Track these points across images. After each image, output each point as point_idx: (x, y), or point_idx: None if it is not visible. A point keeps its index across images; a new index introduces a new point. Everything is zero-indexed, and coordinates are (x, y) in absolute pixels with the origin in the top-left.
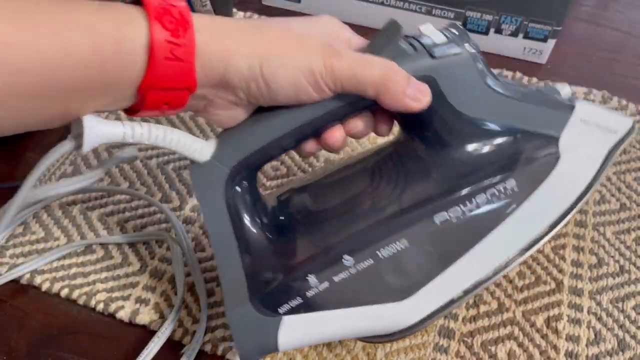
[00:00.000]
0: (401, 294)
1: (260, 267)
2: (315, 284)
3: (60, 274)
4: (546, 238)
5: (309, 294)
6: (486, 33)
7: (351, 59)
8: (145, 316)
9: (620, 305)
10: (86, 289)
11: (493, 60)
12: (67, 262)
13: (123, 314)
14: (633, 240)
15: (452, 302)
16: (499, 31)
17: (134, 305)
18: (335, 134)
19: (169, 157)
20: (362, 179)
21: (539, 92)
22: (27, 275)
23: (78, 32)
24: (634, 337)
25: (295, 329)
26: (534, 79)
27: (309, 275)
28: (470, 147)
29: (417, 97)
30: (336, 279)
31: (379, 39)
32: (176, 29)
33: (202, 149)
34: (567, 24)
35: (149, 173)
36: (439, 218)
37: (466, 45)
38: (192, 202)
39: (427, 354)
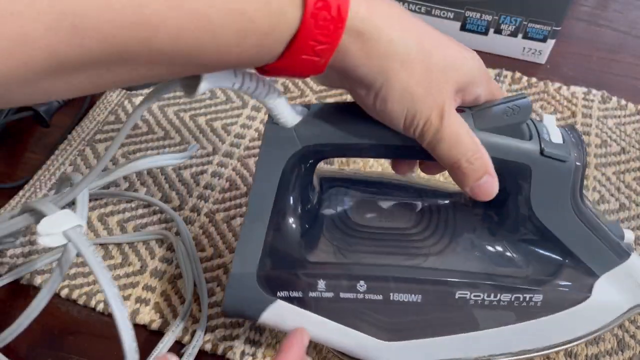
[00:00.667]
0: (390, 335)
1: (280, 248)
2: (321, 290)
3: None
4: (536, 354)
5: (312, 294)
6: (485, 33)
7: (449, 130)
8: (145, 316)
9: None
10: (86, 289)
11: (492, 60)
12: None
13: None
14: None
15: None
16: (498, 31)
17: (134, 305)
18: (405, 166)
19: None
20: (409, 214)
21: (606, 228)
22: (27, 276)
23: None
24: (633, 336)
25: (281, 314)
26: (534, 79)
27: (321, 279)
28: (523, 246)
29: (477, 194)
30: (342, 295)
31: (506, 115)
32: (329, 22)
33: (289, 117)
34: (566, 24)
35: (149, 173)
36: (460, 294)
37: (575, 154)
38: (192, 202)
39: None
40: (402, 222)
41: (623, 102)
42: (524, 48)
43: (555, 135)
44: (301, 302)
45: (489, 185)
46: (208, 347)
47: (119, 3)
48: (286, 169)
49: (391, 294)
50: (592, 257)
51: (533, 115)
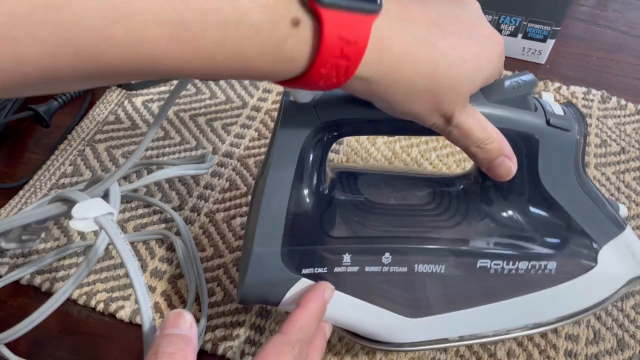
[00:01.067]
0: (413, 311)
1: (303, 223)
2: (347, 264)
3: (60, 274)
4: (548, 327)
5: (337, 269)
6: None
7: (459, 128)
8: None
9: (619, 304)
10: (86, 289)
11: None
12: (67, 262)
13: (123, 314)
14: None
15: (444, 341)
16: (498, 31)
17: (134, 305)
18: None
19: (167, 158)
20: (422, 194)
21: (605, 200)
22: (27, 276)
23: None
24: (633, 336)
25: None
26: None
27: (346, 253)
28: (532, 217)
29: (493, 174)
30: (367, 269)
31: (513, 88)
32: (333, 78)
33: (308, 94)
34: (566, 24)
35: (149, 173)
36: (481, 263)
37: (577, 128)
38: (192, 202)
39: (426, 353)
40: (416, 200)
41: (623, 102)
42: (524, 48)
43: (557, 109)
44: (326, 279)
45: (505, 166)
46: (208, 347)
47: (122, 36)
48: (305, 146)
49: (415, 266)
50: (594, 227)
51: None
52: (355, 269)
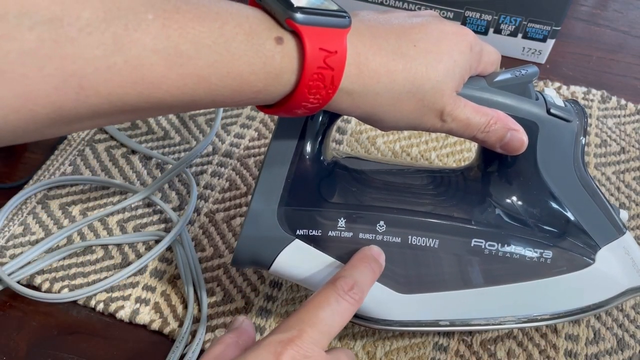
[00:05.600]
0: (404, 287)
1: (302, 186)
2: (341, 228)
3: (60, 274)
4: (542, 323)
5: (331, 233)
6: (485, 33)
7: (456, 122)
8: (145, 316)
9: (619, 304)
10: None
11: None
12: (67, 262)
13: (123, 314)
14: None
15: (435, 324)
16: (498, 31)
17: (134, 305)
18: None
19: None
20: (424, 178)
21: (606, 201)
22: (27, 276)
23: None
24: (633, 336)
25: (296, 256)
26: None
27: (341, 218)
28: (531, 207)
29: (508, 151)
30: (361, 235)
31: (515, 76)
32: (322, 90)
33: None
34: (566, 24)
35: (149, 173)
36: (475, 242)
37: (577, 122)
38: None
39: (426, 353)
40: (416, 181)
41: (623, 101)
42: (524, 48)
43: (558, 101)
44: (319, 243)
45: (516, 140)
46: (208, 347)
47: (122, 64)
48: (310, 116)
49: (409, 237)
50: (593, 225)
51: None
52: (349, 234)
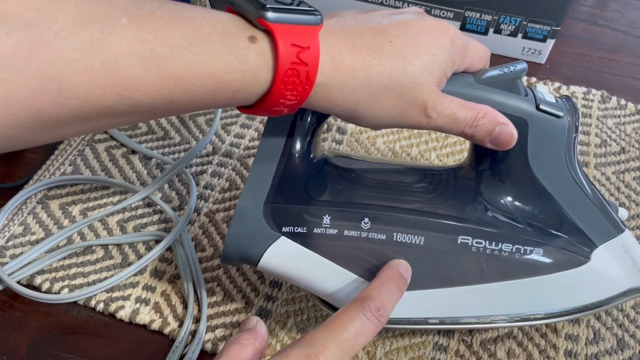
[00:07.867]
0: None
1: (289, 184)
2: (326, 225)
3: (60, 274)
4: (536, 322)
5: (316, 230)
6: (485, 33)
7: (441, 117)
8: (145, 316)
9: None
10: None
11: (492, 60)
12: (67, 262)
13: (123, 314)
14: None
15: (424, 322)
16: (498, 31)
17: (134, 305)
18: None
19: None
20: (414, 177)
21: (603, 200)
22: (27, 276)
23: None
24: (633, 336)
25: (282, 253)
26: (533, 79)
27: (326, 215)
28: (522, 204)
29: (498, 145)
30: (346, 232)
31: (503, 72)
32: (297, 85)
33: None
34: (566, 24)
35: (149, 173)
36: (462, 239)
37: (569, 118)
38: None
39: (426, 353)
40: (404, 179)
41: (623, 101)
42: (524, 48)
43: (549, 97)
44: (305, 240)
45: (505, 133)
46: (208, 347)
47: (99, 67)
48: (299, 115)
49: (394, 234)
50: (588, 223)
51: None
52: (334, 231)
